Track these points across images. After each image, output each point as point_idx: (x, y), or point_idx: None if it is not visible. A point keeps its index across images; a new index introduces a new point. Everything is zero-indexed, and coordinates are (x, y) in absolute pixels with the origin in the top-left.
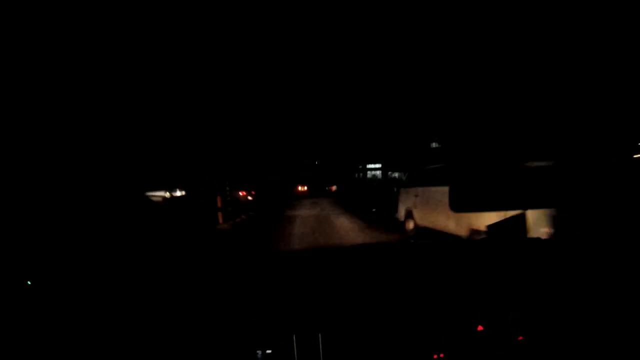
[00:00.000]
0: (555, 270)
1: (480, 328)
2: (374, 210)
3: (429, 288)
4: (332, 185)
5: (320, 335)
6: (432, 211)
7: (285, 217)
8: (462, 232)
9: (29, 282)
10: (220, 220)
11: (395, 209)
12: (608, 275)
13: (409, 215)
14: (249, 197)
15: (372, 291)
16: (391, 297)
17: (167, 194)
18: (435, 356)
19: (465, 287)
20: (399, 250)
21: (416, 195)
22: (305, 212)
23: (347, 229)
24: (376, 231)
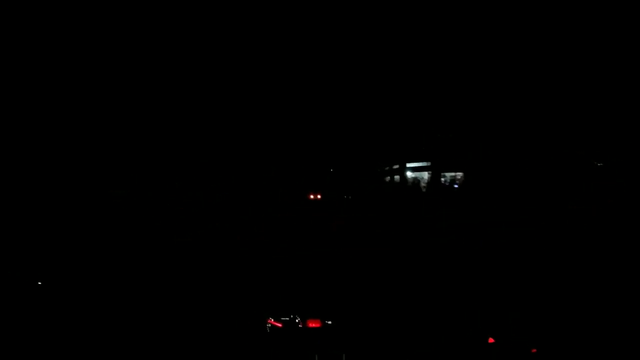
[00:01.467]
0: (570, 282)
1: (491, 340)
2: None
3: (441, 301)
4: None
5: (344, 356)
6: None
7: None
8: None
9: (39, 283)
10: None
11: None
12: (620, 280)
13: None
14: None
15: (390, 306)
16: (408, 311)
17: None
18: None
19: (475, 300)
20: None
21: None
22: None
23: None
24: None
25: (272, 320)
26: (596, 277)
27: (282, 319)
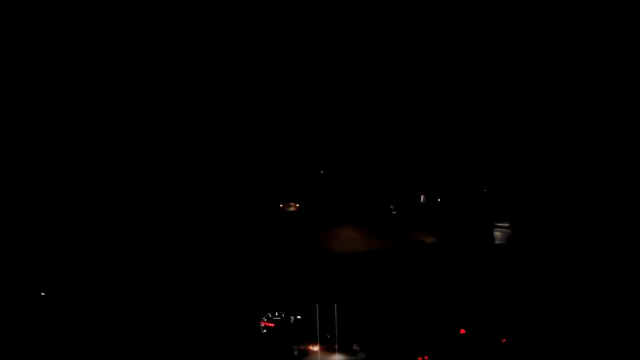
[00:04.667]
0: (536, 273)
1: (462, 331)
2: None
3: (415, 292)
4: None
5: (336, 305)
6: None
7: None
8: None
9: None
10: None
11: None
12: (587, 275)
13: None
14: None
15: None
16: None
17: None
18: (420, 358)
19: (448, 291)
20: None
21: None
22: None
23: None
24: None
25: (265, 321)
26: (587, 276)
27: (274, 318)
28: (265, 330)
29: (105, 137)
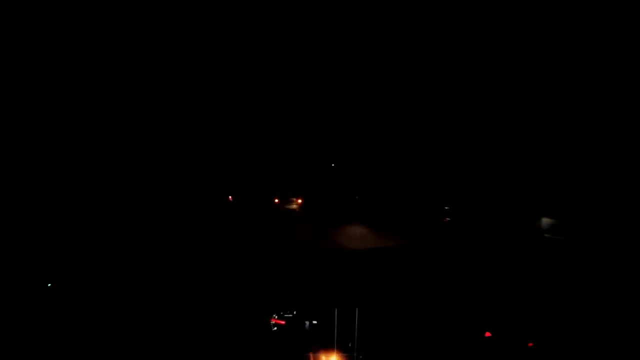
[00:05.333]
0: (566, 275)
1: (488, 334)
2: None
3: (437, 293)
4: None
5: (357, 310)
6: None
7: None
8: None
9: (49, 284)
10: None
11: None
12: (617, 277)
13: None
14: None
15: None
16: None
17: None
18: None
19: (473, 293)
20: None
21: None
22: None
23: None
24: None
25: (276, 318)
26: (594, 275)
27: (286, 316)
28: (275, 328)
29: (105, 137)
